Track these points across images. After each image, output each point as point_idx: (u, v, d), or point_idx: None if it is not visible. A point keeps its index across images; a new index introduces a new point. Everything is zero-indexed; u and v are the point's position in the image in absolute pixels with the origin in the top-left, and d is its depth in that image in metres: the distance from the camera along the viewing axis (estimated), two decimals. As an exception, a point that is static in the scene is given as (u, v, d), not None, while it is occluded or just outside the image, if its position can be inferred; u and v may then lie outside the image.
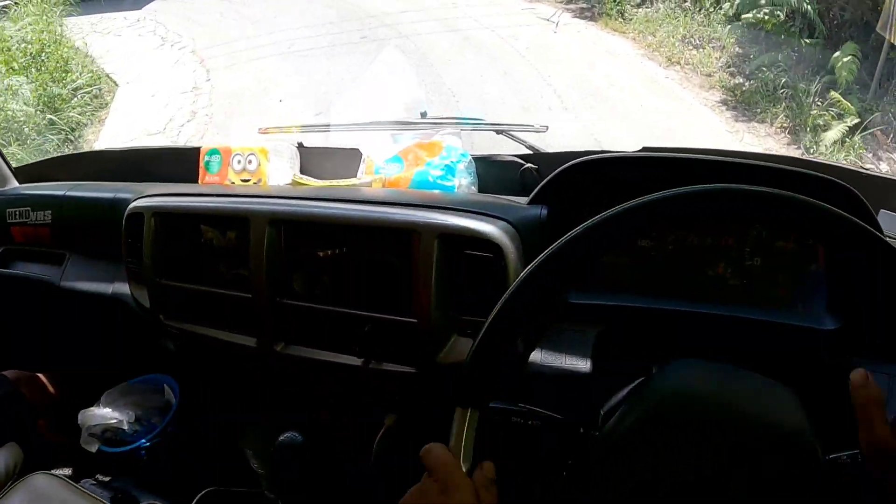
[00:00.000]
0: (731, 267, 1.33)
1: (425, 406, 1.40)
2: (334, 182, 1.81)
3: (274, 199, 1.60)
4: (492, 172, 1.81)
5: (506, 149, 1.87)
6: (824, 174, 1.28)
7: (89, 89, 8.60)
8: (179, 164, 2.10)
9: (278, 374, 1.77)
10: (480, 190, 1.79)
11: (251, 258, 1.55)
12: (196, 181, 2.01)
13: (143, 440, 2.05)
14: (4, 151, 2.30)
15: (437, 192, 1.68)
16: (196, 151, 2.03)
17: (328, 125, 1.97)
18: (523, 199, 1.50)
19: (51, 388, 2.27)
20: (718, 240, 1.33)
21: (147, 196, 1.78)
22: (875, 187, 1.48)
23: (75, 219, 2.09)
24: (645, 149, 1.57)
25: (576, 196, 1.40)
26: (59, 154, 2.59)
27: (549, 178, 1.46)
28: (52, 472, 1.68)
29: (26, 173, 2.50)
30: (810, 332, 1.23)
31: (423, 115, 1.91)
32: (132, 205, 1.78)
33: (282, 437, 1.83)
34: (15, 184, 2.47)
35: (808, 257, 1.30)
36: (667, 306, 1.32)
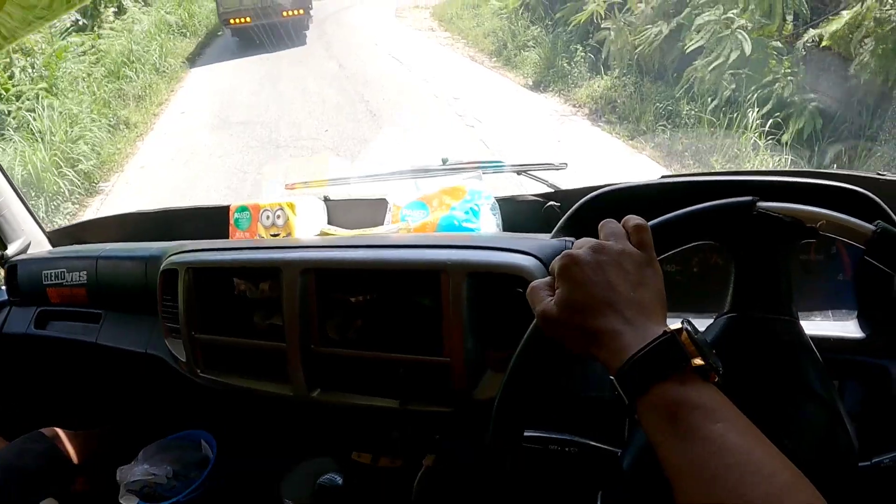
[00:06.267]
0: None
1: (464, 444, 1.42)
2: (361, 231, 1.85)
3: (304, 249, 1.64)
4: (516, 213, 1.84)
5: (529, 189, 1.91)
6: (844, 184, 1.30)
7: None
8: (209, 222, 2.16)
9: (317, 421, 1.79)
10: (506, 230, 1.82)
11: (284, 308, 1.58)
12: (226, 239, 2.06)
13: (181, 495, 2.07)
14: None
15: (463, 233, 1.72)
16: (225, 210, 2.08)
17: (352, 177, 2.01)
18: (548, 236, 1.52)
19: (90, 445, 2.30)
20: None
21: (181, 252, 1.82)
22: (890, 192, 1.48)
23: (110, 279, 2.13)
24: (664, 177, 1.60)
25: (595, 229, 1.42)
26: (91, 218, 2.64)
27: (571, 210, 1.49)
28: None
29: (59, 236, 2.57)
30: (842, 340, 1.24)
31: (445, 161, 1.95)
32: (166, 261, 1.82)
33: (320, 480, 1.84)
34: (48, 247, 2.54)
35: (835, 267, 1.32)
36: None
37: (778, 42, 7.05)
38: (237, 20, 15.41)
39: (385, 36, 15.39)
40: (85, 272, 2.18)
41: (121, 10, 14.75)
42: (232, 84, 12.88)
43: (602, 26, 9.54)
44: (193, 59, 15.10)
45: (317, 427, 1.90)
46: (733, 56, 7.10)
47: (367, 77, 11.96)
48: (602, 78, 9.23)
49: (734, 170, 1.57)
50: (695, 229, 0.95)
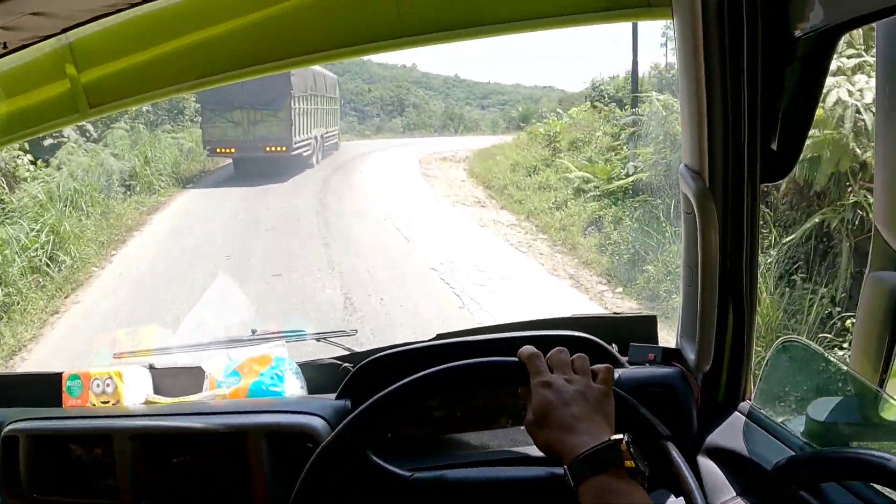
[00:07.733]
0: (510, 418, 1.80)
1: None
2: (182, 399, 2.15)
3: (132, 418, 1.95)
4: (317, 374, 2.20)
5: (330, 353, 2.26)
6: (575, 330, 1.80)
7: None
8: (42, 389, 2.33)
9: None
10: (310, 390, 2.16)
11: (117, 470, 1.87)
12: (58, 404, 2.26)
13: None
14: None
15: (267, 398, 2.06)
16: (58, 377, 2.28)
17: (173, 347, 2.32)
18: (333, 396, 1.90)
19: None
20: (498, 399, 1.80)
21: (20, 420, 2.04)
22: (626, 326, 2.00)
23: (-56, 444, 2.27)
24: (439, 336, 2.03)
25: (374, 386, 1.67)
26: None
27: (348, 377, 1.90)
28: None
29: None
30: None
31: (254, 332, 2.30)
32: (7, 428, 2.03)
33: None
34: None
35: None
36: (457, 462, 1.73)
37: None
38: (222, 150, 16.01)
39: (415, 216, 10.99)
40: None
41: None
42: (160, 295, 8.76)
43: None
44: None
45: None
46: None
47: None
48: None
49: (501, 324, 2.00)
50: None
